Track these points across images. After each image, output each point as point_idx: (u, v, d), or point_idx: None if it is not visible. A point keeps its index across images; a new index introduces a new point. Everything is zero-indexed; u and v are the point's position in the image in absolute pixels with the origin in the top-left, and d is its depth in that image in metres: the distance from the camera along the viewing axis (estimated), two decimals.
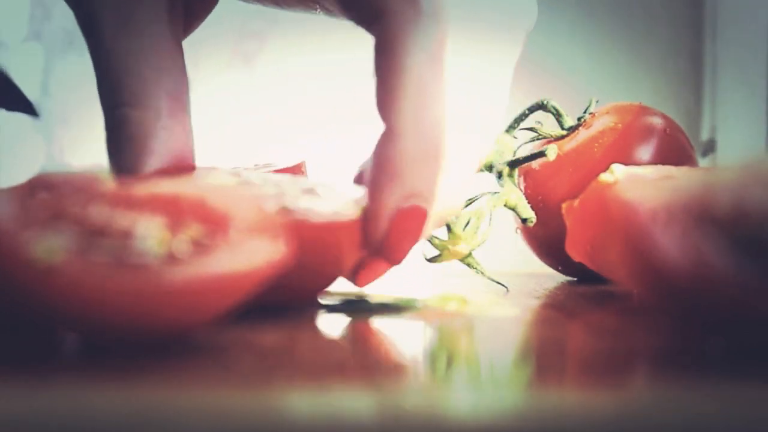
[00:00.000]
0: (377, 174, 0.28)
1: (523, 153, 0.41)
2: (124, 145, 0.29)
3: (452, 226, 0.35)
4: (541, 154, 0.37)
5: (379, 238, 0.28)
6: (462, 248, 0.35)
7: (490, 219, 0.36)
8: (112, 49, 0.29)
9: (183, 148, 0.30)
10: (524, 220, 0.37)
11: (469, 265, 0.36)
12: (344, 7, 0.30)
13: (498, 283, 0.36)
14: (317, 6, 0.32)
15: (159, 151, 0.29)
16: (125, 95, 0.29)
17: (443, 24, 0.28)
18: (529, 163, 0.41)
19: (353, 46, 0.61)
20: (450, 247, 0.35)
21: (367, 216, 0.27)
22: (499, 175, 0.39)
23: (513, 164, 0.39)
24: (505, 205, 0.37)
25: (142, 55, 0.29)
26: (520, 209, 0.37)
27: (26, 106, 0.27)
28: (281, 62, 0.63)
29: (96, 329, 0.20)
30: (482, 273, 0.36)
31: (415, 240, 0.28)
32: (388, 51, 0.28)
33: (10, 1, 0.70)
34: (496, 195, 0.37)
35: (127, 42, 0.29)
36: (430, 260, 0.35)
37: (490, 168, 0.39)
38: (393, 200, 0.27)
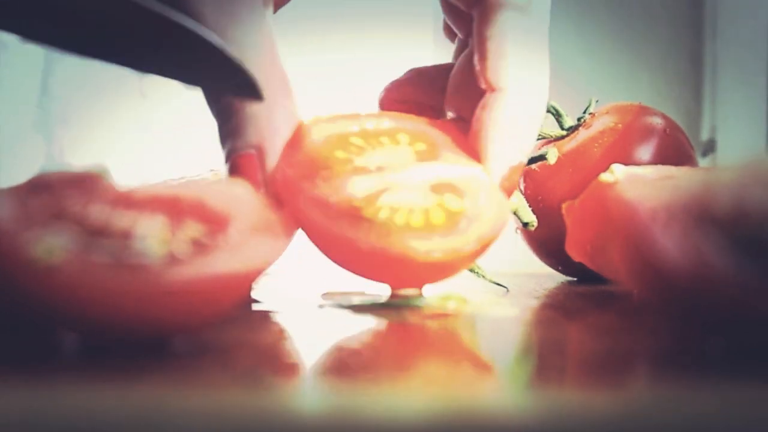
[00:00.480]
0: (496, 133, 0.31)
1: None
2: (245, 125, 0.30)
3: None
4: (541, 157, 0.37)
5: None
6: None
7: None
8: (218, 43, 0.30)
9: (298, 125, 0.31)
10: (525, 224, 0.37)
11: (469, 268, 0.36)
12: None
13: (498, 284, 0.36)
14: None
15: (281, 128, 0.30)
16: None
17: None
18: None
19: (353, 46, 0.61)
20: None
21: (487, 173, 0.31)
22: None
23: None
24: None
25: (249, 42, 0.30)
26: (521, 212, 0.37)
27: (252, 90, 0.28)
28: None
29: (96, 329, 0.20)
30: (483, 276, 0.36)
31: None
32: (493, 22, 0.32)
33: None
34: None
35: (233, 31, 0.30)
36: None
37: None
38: (509, 158, 0.31)
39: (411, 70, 0.38)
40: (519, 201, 0.37)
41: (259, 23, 0.31)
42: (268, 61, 0.30)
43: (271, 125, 0.30)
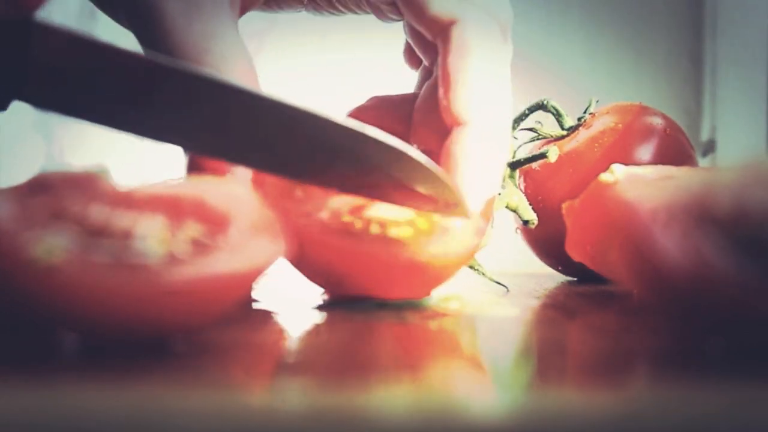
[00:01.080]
0: (468, 169, 0.31)
1: (523, 153, 0.41)
2: None
3: None
4: (542, 155, 0.37)
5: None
6: None
7: (493, 221, 0.36)
8: (182, 42, 0.29)
9: None
10: (525, 222, 0.37)
11: (470, 266, 0.36)
12: (416, 16, 0.32)
13: (498, 283, 0.36)
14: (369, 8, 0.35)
15: None
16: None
17: (504, 26, 0.32)
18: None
19: (353, 46, 0.61)
20: None
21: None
22: None
23: (514, 165, 0.39)
24: (506, 207, 0.37)
25: (215, 44, 0.29)
26: (521, 211, 0.37)
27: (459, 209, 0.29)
28: (281, 63, 0.63)
29: (96, 329, 0.20)
30: (483, 274, 0.36)
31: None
32: (456, 53, 0.31)
33: None
34: (497, 197, 0.37)
35: (198, 31, 0.29)
36: None
37: None
38: (484, 192, 0.31)
39: (374, 98, 0.37)
40: (519, 200, 0.37)
41: (221, 23, 0.30)
42: (242, 70, 0.30)
43: None
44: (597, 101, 0.44)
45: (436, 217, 0.29)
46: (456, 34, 0.31)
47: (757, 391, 0.16)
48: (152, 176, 0.38)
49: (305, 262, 0.30)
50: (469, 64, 0.31)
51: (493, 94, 0.31)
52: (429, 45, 0.34)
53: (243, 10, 0.33)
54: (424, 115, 0.35)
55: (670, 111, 0.44)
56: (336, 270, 0.30)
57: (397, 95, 0.37)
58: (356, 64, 0.61)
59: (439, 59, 0.32)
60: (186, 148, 0.28)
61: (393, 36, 0.39)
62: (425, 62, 0.36)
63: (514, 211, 0.37)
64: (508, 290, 0.36)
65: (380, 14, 0.35)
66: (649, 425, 0.15)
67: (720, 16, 0.63)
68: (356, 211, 0.29)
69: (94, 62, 0.24)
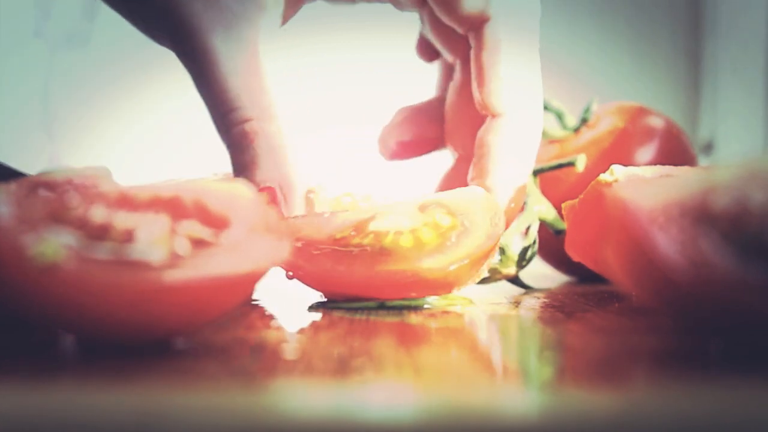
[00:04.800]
0: (503, 158, 0.32)
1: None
2: (264, 158, 0.30)
3: (506, 249, 0.35)
4: (569, 163, 0.37)
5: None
6: (512, 270, 0.36)
7: (536, 241, 0.36)
8: (228, 70, 0.30)
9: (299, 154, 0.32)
10: (558, 232, 0.37)
11: (516, 283, 0.36)
12: (447, 13, 0.33)
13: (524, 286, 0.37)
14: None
15: (294, 159, 0.31)
16: (252, 111, 0.30)
17: (533, 20, 0.33)
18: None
19: (353, 46, 0.61)
20: (502, 270, 0.35)
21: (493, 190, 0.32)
22: None
23: (537, 172, 0.38)
24: (539, 219, 0.37)
25: (256, 70, 0.30)
26: (553, 222, 0.37)
27: None
28: (279, 62, 0.63)
29: (96, 329, 0.20)
30: (529, 287, 0.37)
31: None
32: (491, 48, 0.32)
33: None
34: (527, 211, 0.37)
35: (239, 60, 0.30)
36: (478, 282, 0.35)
37: None
38: (516, 180, 0.32)
39: (401, 110, 0.38)
40: (547, 210, 0.37)
41: (259, 47, 0.31)
42: (270, 88, 0.31)
43: (287, 158, 0.30)
44: (597, 99, 0.44)
45: (447, 224, 0.29)
46: (489, 31, 0.32)
47: (757, 391, 0.16)
48: (152, 176, 0.38)
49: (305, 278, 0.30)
50: (502, 59, 0.32)
51: (525, 88, 0.33)
52: (454, 38, 0.35)
53: (286, 18, 0.33)
54: (457, 120, 0.36)
55: (670, 111, 0.44)
56: (331, 291, 0.30)
57: (423, 102, 0.38)
58: (356, 65, 0.61)
59: (472, 54, 0.33)
60: None
61: (394, 36, 0.39)
62: (447, 56, 0.36)
63: (545, 221, 0.37)
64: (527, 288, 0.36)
65: (398, 4, 0.35)
66: (650, 425, 0.15)
67: (720, 16, 0.63)
68: (361, 226, 0.30)
69: None
